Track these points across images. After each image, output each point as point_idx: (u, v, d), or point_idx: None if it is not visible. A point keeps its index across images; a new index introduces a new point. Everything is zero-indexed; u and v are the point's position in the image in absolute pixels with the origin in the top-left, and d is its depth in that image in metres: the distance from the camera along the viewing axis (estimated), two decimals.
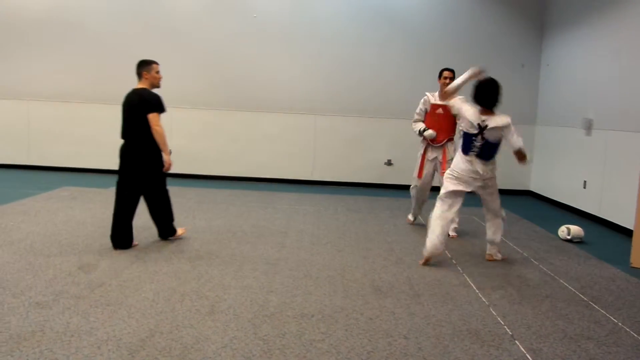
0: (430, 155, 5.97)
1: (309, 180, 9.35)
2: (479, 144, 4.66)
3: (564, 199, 8.08)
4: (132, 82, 9.96)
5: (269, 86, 9.24)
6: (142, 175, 4.91)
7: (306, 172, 9.39)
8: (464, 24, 9.14)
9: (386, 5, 9.13)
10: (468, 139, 4.72)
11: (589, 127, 7.37)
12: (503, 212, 5.00)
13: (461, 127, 4.84)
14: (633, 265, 5.04)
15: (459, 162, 4.79)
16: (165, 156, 4.96)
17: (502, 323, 3.52)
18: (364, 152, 9.29)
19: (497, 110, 4.74)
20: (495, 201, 4.91)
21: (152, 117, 4.79)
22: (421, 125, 5.92)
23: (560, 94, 8.44)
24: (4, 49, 9.36)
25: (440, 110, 5.81)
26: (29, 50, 9.34)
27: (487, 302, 3.89)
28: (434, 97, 5.93)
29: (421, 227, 6.34)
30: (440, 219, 4.71)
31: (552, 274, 4.67)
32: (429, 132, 5.84)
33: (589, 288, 4.35)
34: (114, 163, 9.41)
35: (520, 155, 4.75)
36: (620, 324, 3.62)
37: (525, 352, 3.12)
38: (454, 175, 4.76)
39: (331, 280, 4.22)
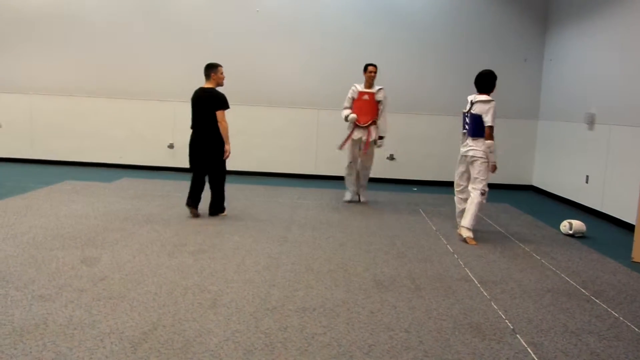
0: (356, 135, 6.88)
1: (311, 174, 9.36)
2: (468, 120, 5.45)
3: (566, 194, 8.07)
4: (135, 76, 9.98)
5: (271, 81, 9.23)
6: (207, 159, 5.80)
7: (309, 166, 9.39)
8: (466, 19, 9.10)
9: (388, 1, 9.10)
10: (463, 119, 5.57)
11: (591, 121, 7.35)
12: (477, 198, 5.34)
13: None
14: (635, 259, 5.04)
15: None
16: (226, 146, 5.78)
17: (504, 317, 3.52)
18: None
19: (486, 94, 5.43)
20: (472, 179, 5.43)
21: (219, 113, 5.69)
22: (347, 112, 6.91)
23: (562, 89, 8.41)
24: (7, 43, 9.36)
25: (366, 97, 6.86)
26: (31, 44, 9.35)
27: (488, 296, 3.89)
28: (360, 87, 6.89)
29: (423, 220, 6.34)
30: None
31: (554, 269, 4.67)
32: (352, 116, 6.82)
33: (590, 282, 4.34)
34: (116, 157, 9.55)
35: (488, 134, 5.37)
36: (621, 318, 3.62)
37: (526, 345, 3.12)
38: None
39: (333, 274, 4.22)
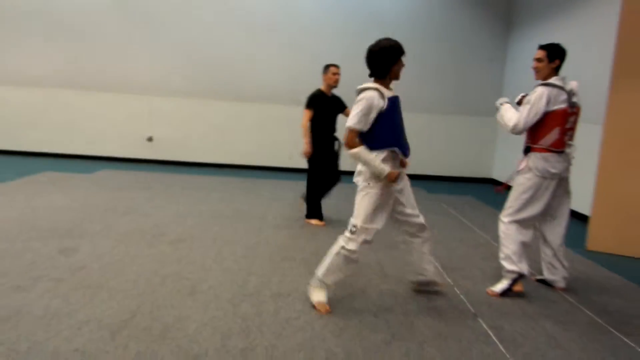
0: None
1: (288, 167, 9.32)
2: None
3: None
4: (111, 68, 9.66)
5: (249, 76, 9.14)
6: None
7: (285, 159, 9.36)
8: (436, 17, 9.16)
9: (363, 2, 9.10)
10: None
11: None
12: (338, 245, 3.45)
13: None
14: (589, 248, 5.19)
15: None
16: (304, 145, 5.43)
17: (465, 301, 3.59)
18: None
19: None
20: None
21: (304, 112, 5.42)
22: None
23: (523, 88, 8.54)
24: None
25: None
26: (1, 35, 9.01)
27: (451, 282, 3.95)
28: None
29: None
30: None
31: None
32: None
33: None
34: (92, 149, 9.31)
35: None
36: (575, 302, 3.72)
37: (487, 328, 3.18)
38: None
39: (306, 262, 4.23)
